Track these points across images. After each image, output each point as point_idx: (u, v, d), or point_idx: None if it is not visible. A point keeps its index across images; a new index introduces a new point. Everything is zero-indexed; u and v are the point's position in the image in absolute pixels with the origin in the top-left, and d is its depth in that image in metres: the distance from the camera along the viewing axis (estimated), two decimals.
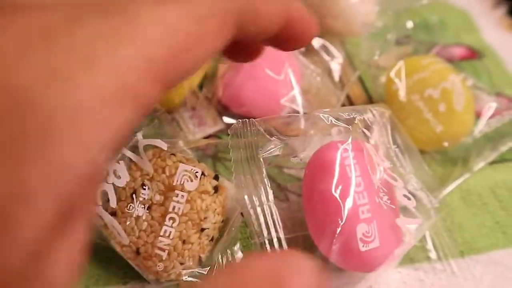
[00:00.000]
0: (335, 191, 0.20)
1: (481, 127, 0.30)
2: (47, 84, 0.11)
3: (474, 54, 0.41)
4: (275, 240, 0.22)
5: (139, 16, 0.12)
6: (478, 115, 0.32)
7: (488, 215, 0.31)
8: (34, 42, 0.11)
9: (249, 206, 0.23)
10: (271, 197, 0.22)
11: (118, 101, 0.11)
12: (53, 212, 0.11)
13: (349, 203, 0.20)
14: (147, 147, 0.26)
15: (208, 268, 0.25)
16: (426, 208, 0.21)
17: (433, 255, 0.27)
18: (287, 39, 0.19)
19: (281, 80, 0.32)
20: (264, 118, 0.33)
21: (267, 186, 0.23)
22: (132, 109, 0.12)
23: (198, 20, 0.14)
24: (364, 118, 0.23)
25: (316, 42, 0.35)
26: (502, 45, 0.43)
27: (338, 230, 0.20)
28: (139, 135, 0.26)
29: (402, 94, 0.31)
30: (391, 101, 0.32)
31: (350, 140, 0.22)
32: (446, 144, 0.30)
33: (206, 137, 0.33)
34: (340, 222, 0.20)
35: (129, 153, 0.25)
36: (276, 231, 0.22)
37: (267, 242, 0.22)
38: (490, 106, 0.31)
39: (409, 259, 0.27)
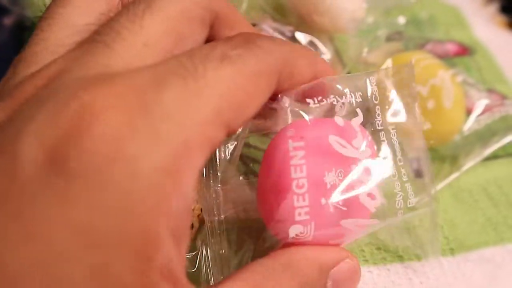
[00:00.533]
0: (272, 190, 0.20)
1: (471, 124, 0.30)
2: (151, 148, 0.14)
3: (465, 51, 0.41)
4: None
5: (208, 78, 0.15)
6: (469, 112, 0.32)
7: (479, 212, 0.30)
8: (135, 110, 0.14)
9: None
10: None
11: (199, 147, 0.15)
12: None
13: (285, 205, 0.19)
14: None
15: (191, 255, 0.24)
16: (393, 209, 0.20)
17: (422, 253, 0.27)
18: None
19: None
20: None
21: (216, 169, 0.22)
22: (208, 151, 0.15)
23: (254, 81, 0.17)
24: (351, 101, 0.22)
25: (303, 38, 0.35)
26: (493, 41, 0.43)
27: (270, 229, 0.20)
28: None
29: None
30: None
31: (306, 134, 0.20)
32: (432, 142, 0.30)
33: None
34: (272, 222, 0.20)
35: None
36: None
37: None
38: (480, 102, 0.30)
39: (397, 257, 0.27)
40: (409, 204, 0.20)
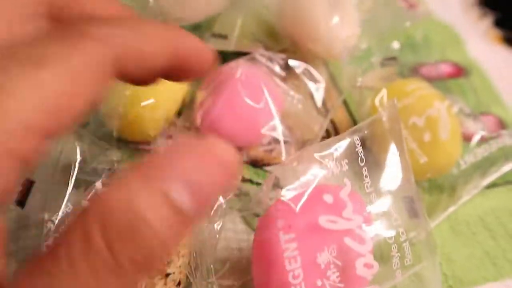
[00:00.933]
0: (270, 285, 0.19)
1: (468, 157, 0.29)
2: None
3: (460, 72, 0.41)
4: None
5: (17, 83, 0.14)
6: (466, 139, 0.31)
7: (478, 245, 0.30)
8: None
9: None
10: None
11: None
12: None
13: None
14: None
15: None
16: (390, 271, 0.20)
17: None
18: (178, 72, 0.19)
19: (261, 108, 0.31)
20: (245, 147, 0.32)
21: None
22: (15, 162, 0.14)
23: (71, 79, 0.14)
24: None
25: (297, 66, 0.34)
26: (489, 60, 0.42)
27: None
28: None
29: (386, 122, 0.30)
30: (376, 129, 0.31)
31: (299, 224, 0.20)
32: (429, 175, 0.29)
33: None
34: None
35: None
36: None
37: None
38: (477, 135, 0.30)
39: None
40: (406, 262, 0.20)
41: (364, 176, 0.21)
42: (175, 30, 0.19)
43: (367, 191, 0.21)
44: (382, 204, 0.21)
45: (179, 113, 0.34)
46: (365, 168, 0.21)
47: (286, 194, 0.21)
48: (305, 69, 0.34)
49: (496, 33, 0.49)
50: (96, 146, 0.29)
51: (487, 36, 0.49)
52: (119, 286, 0.13)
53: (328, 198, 0.20)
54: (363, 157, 0.21)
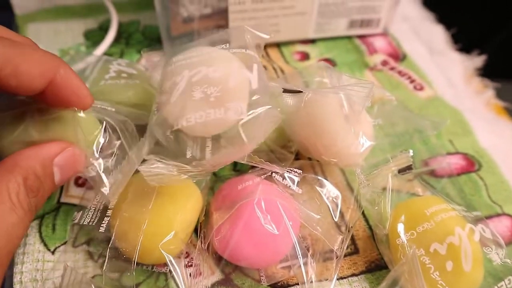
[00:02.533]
0: None
1: None
2: None
3: (471, 166, 0.41)
4: None
5: None
6: None
7: None
8: None
9: None
10: None
11: None
12: None
13: None
14: None
15: None
16: None
17: None
18: (53, 98, 0.26)
19: (280, 234, 0.31)
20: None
21: None
22: None
23: None
24: None
25: (314, 180, 0.34)
26: (499, 150, 0.42)
27: None
28: None
29: (407, 249, 0.30)
30: (396, 255, 0.31)
31: None
32: None
33: None
34: None
35: None
36: None
37: None
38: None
39: None
40: None
41: None
42: (59, 62, 0.25)
43: None
44: None
45: (195, 231, 0.33)
46: None
47: None
48: (321, 182, 0.34)
49: (498, 104, 0.50)
50: None
51: (488, 107, 0.49)
52: None
53: None
54: None
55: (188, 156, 0.29)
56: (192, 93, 0.29)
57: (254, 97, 0.29)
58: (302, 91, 0.33)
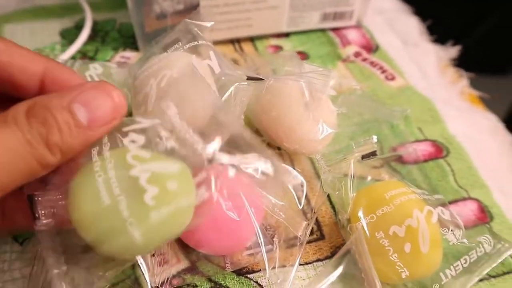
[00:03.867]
0: None
1: (448, 272, 0.30)
2: None
3: (439, 152, 0.41)
4: None
5: None
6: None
7: None
8: None
9: None
10: None
11: None
12: None
13: None
14: None
15: None
16: None
17: None
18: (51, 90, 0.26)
19: (241, 221, 0.31)
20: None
21: None
22: None
23: None
24: None
25: (279, 169, 0.34)
26: (468, 136, 0.43)
27: None
28: None
29: (367, 231, 0.30)
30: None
31: None
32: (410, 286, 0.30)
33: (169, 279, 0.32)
34: None
35: None
36: None
37: None
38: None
39: None
40: None
41: None
42: (45, 57, 0.26)
43: None
44: None
45: None
46: None
47: None
48: (287, 170, 0.35)
49: (472, 93, 0.50)
50: None
51: (462, 96, 0.49)
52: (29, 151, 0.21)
53: None
54: None
55: None
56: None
57: (221, 80, 0.30)
58: (263, 79, 0.33)
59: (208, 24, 0.36)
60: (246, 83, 0.32)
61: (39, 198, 0.24)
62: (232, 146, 0.34)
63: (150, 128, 0.25)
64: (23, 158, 0.21)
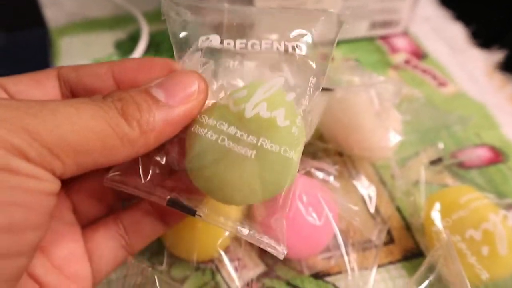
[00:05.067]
0: None
1: None
2: None
3: (498, 157, 0.42)
4: None
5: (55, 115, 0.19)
6: None
7: None
8: None
9: None
10: None
11: None
12: None
13: None
14: None
15: None
16: None
17: None
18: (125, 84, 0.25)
19: (321, 225, 0.32)
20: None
21: None
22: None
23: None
24: None
25: (350, 174, 0.36)
26: None
27: None
28: None
29: (443, 235, 0.31)
30: (432, 242, 0.32)
31: None
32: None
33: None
34: None
35: None
36: None
37: None
38: None
39: None
40: None
41: None
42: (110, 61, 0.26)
43: None
44: None
45: None
46: None
47: None
48: (357, 176, 0.36)
49: None
50: None
51: (511, 101, 0.50)
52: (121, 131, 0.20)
53: None
54: None
55: None
56: None
57: (297, 91, 0.31)
58: (333, 89, 0.34)
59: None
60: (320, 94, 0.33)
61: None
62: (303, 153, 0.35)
63: None
64: (100, 131, 0.20)
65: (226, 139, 0.22)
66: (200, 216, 0.23)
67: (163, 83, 0.22)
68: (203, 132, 0.23)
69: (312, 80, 0.25)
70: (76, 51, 0.54)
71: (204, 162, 0.23)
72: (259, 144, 0.22)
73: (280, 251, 0.23)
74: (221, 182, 0.23)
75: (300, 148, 0.23)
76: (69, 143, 0.19)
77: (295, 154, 0.23)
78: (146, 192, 0.24)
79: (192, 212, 0.23)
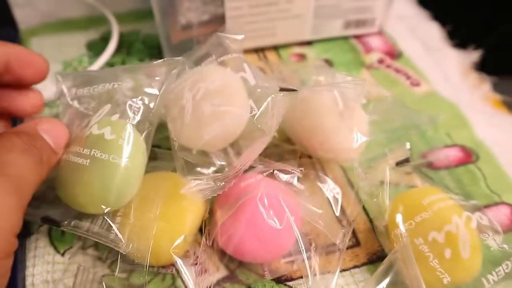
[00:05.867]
0: None
1: (490, 277, 0.30)
2: None
3: (469, 157, 0.41)
4: None
5: None
6: None
7: None
8: None
9: None
10: None
11: None
12: None
13: None
14: None
15: None
16: None
17: None
18: (12, 80, 0.30)
19: (283, 228, 0.31)
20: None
21: None
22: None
23: None
24: None
25: (315, 177, 0.35)
26: (497, 141, 0.43)
27: None
28: None
29: (404, 238, 0.31)
30: (395, 245, 0.31)
31: None
32: None
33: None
34: None
35: None
36: None
37: None
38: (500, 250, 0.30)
39: None
40: None
41: None
42: (6, 43, 0.29)
43: None
44: None
45: (199, 230, 0.34)
46: None
47: None
48: (322, 178, 0.35)
49: (495, 97, 0.50)
50: None
51: (486, 101, 0.50)
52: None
53: None
54: None
55: (217, 166, 0.32)
56: (202, 110, 0.31)
57: (257, 92, 0.31)
58: (296, 89, 0.34)
59: (239, 37, 0.36)
60: (282, 94, 0.32)
61: None
62: (268, 155, 0.35)
63: None
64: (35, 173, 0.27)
65: (70, 156, 0.30)
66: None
67: (47, 129, 0.30)
68: (63, 157, 0.31)
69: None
70: (47, 52, 0.53)
71: (60, 177, 0.30)
72: (91, 154, 0.29)
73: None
74: (68, 189, 0.30)
75: (138, 155, 0.30)
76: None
77: (129, 160, 0.30)
78: None
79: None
